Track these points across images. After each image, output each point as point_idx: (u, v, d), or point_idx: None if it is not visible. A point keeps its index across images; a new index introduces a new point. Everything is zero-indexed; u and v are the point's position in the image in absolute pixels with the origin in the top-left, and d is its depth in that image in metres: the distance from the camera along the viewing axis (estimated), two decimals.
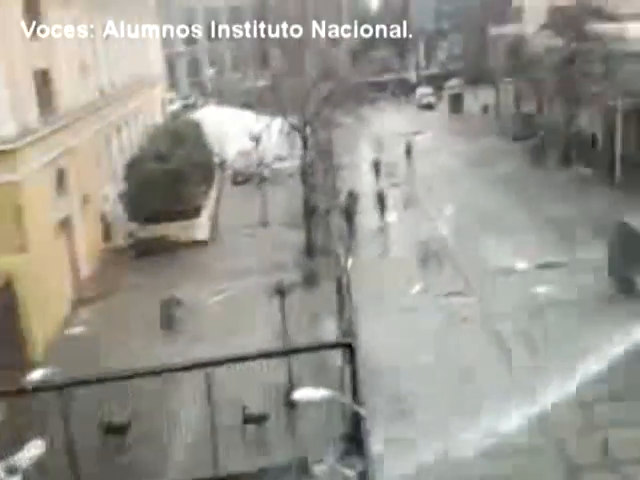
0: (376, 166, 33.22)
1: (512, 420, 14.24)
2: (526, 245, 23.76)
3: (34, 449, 12.91)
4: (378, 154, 35.51)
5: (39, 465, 12.44)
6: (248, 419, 13.54)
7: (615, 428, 13.83)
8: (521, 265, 21.91)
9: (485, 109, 48.95)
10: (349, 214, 27.82)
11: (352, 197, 28.62)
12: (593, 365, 15.85)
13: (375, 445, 11.15)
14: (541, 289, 19.68)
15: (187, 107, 56.88)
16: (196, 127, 36.76)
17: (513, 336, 17.80)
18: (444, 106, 56.95)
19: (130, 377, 12.05)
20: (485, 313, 19.49)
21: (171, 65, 64.46)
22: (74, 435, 11.82)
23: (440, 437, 13.77)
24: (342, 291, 18.44)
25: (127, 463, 13.01)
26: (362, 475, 10.99)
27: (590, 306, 18.85)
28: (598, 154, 34.77)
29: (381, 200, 28.98)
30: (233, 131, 38.33)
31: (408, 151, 37.41)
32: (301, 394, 11.21)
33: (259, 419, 13.51)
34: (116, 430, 13.51)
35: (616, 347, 16.33)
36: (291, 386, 12.96)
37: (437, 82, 63.15)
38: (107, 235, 29.00)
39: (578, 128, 36.36)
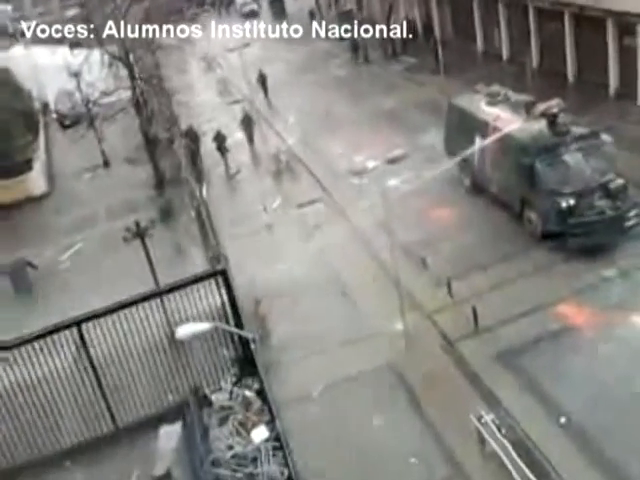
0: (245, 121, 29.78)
1: None
2: (370, 142, 24.34)
3: None
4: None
5: None
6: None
7: None
8: (371, 164, 22.54)
9: (312, 14, 48.54)
10: (194, 145, 26.80)
11: (192, 131, 27.54)
12: None
13: None
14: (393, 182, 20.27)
15: None
16: (5, 72, 33.14)
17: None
18: (267, 12, 55.57)
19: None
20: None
21: None
22: None
23: None
24: (203, 220, 18.22)
25: None
26: (259, 392, 11.38)
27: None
28: (420, 43, 35.98)
29: (248, 124, 27.56)
30: (49, 70, 35.06)
31: (262, 80, 34.94)
32: (184, 330, 11.13)
33: None
34: None
35: None
36: (170, 325, 12.85)
37: None
38: None
39: (397, 19, 37.13)
